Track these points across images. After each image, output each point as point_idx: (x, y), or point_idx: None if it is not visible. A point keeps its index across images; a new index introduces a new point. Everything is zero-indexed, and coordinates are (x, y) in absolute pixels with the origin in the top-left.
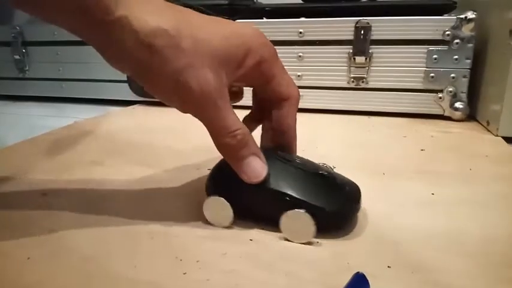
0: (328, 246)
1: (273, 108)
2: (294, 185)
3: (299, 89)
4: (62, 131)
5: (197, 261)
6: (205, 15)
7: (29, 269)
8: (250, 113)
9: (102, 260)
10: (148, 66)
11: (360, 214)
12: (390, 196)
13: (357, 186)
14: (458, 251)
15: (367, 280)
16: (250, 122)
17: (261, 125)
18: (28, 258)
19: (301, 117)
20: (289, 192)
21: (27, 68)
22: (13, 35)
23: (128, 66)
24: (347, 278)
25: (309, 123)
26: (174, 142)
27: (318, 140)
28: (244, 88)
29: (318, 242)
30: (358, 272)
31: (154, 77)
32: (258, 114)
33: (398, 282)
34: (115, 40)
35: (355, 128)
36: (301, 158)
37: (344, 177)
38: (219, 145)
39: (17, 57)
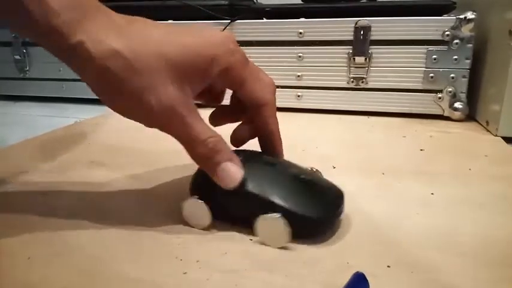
0: (328, 246)
1: (252, 115)
2: (272, 189)
3: (299, 89)
4: (62, 131)
5: (197, 261)
6: (167, 26)
7: (29, 268)
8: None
9: (102, 260)
10: (109, 89)
11: (359, 214)
12: (390, 196)
13: (340, 192)
14: (458, 251)
15: (367, 280)
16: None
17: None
18: (28, 258)
19: (301, 117)
20: (267, 196)
21: (27, 68)
22: (13, 35)
23: (92, 87)
24: (347, 277)
25: (308, 123)
26: (175, 142)
27: (317, 140)
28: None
29: (317, 243)
30: (357, 272)
31: (115, 99)
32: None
33: (398, 282)
34: (76, 64)
35: (355, 128)
36: (287, 162)
37: (328, 182)
38: (193, 156)
39: (17, 57)
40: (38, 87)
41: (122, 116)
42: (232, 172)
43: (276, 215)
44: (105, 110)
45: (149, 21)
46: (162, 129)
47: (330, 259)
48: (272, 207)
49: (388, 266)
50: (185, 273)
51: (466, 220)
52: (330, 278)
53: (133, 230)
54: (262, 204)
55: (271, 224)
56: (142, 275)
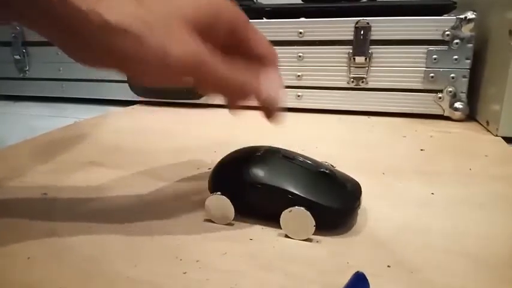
0: (328, 246)
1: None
2: (296, 182)
3: (299, 89)
4: (62, 131)
5: (197, 261)
6: None
7: (29, 268)
8: None
9: (102, 260)
10: (130, 52)
11: (360, 214)
12: (390, 196)
13: (358, 183)
14: (458, 251)
15: (367, 280)
16: None
17: None
18: (28, 258)
19: (301, 117)
20: (291, 189)
21: (27, 68)
22: (13, 35)
23: (107, 56)
24: (347, 277)
25: (309, 123)
26: (174, 142)
27: (318, 140)
28: None
29: (317, 241)
30: (357, 272)
31: (137, 62)
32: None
33: (398, 282)
34: (87, 33)
35: (355, 128)
36: (304, 156)
37: (345, 174)
38: (227, 93)
39: (17, 57)
40: (38, 87)
41: (120, 116)
42: (274, 80)
43: (301, 208)
44: (105, 110)
45: None
46: (192, 76)
47: (330, 259)
48: (296, 200)
49: (388, 266)
50: (185, 273)
51: (467, 220)
52: (330, 278)
53: (133, 230)
54: (285, 197)
55: (296, 217)
56: (142, 275)
